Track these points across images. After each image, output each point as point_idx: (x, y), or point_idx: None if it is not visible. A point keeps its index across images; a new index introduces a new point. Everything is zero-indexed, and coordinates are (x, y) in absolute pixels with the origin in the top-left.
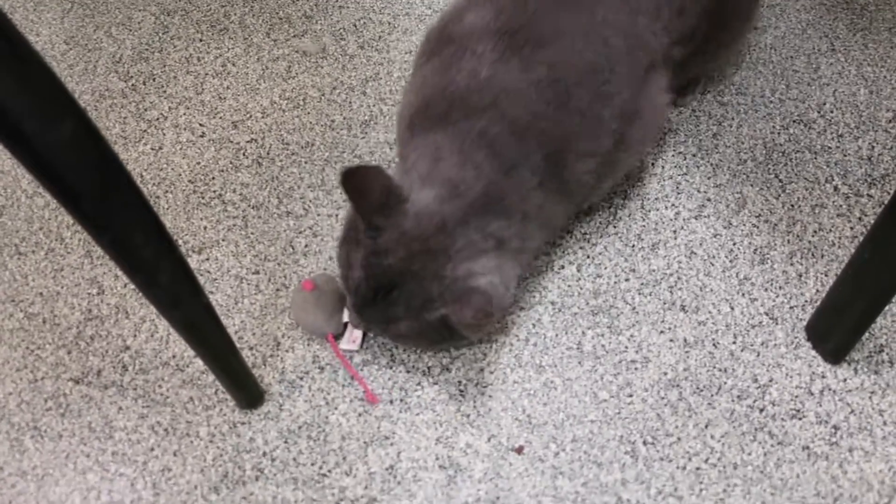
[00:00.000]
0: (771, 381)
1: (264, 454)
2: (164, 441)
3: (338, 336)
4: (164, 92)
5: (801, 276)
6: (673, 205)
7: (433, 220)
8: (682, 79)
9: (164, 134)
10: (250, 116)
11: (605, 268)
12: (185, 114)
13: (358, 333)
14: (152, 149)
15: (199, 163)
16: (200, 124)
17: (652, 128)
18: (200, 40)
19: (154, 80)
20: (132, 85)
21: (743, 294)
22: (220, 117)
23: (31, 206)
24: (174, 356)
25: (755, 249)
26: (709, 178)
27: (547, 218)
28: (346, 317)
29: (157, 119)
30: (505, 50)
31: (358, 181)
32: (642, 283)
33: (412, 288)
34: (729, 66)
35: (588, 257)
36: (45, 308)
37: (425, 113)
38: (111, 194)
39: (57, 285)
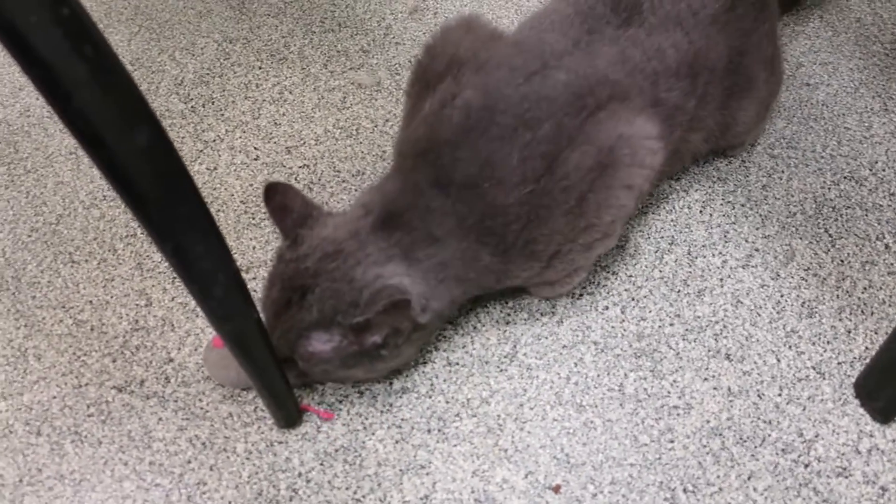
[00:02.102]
0: (817, 436)
1: (299, 475)
2: (201, 454)
3: None
4: (222, 115)
5: (849, 332)
6: (720, 253)
7: (347, 228)
8: (715, 145)
9: (220, 155)
10: (304, 143)
11: (650, 311)
12: (240, 137)
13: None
14: (207, 168)
15: (251, 185)
16: (255, 148)
17: (609, 170)
18: (260, 68)
19: (213, 103)
20: (192, 107)
21: (790, 346)
22: (275, 142)
23: (88, 216)
24: None
25: (803, 302)
26: (757, 229)
27: (466, 252)
28: None
29: (214, 140)
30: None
31: (279, 197)
32: (687, 329)
33: (325, 289)
34: (779, 119)
35: (633, 299)
36: (94, 316)
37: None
38: (178, 204)
39: (107, 294)
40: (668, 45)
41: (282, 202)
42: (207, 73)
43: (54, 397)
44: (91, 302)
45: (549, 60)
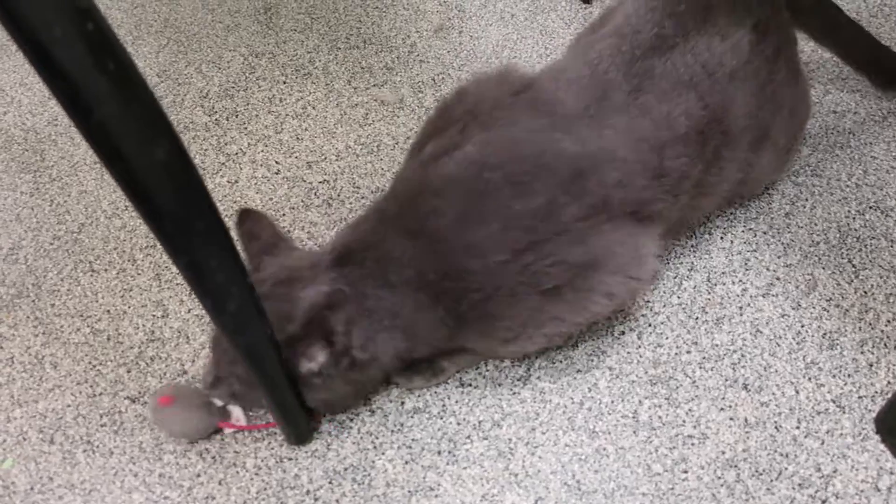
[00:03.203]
0: (835, 471)
1: (308, 492)
2: (210, 468)
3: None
4: (246, 129)
5: (871, 365)
6: (740, 280)
7: (308, 260)
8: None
9: (241, 168)
10: (325, 158)
11: (667, 338)
12: (262, 151)
13: (238, 412)
14: (228, 181)
15: (271, 198)
16: (276, 162)
17: (594, 274)
18: (284, 82)
19: (237, 116)
20: (216, 119)
21: (809, 378)
22: (296, 157)
23: (109, 226)
24: None
25: (824, 334)
26: (779, 257)
27: (419, 306)
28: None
29: (236, 154)
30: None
31: (250, 223)
32: (704, 357)
33: (269, 309)
34: (804, 147)
35: (650, 325)
36: (111, 326)
37: None
38: (194, 218)
39: (124, 304)
40: (678, 112)
41: (251, 228)
42: (233, 87)
43: (68, 406)
44: (109, 311)
45: (558, 124)
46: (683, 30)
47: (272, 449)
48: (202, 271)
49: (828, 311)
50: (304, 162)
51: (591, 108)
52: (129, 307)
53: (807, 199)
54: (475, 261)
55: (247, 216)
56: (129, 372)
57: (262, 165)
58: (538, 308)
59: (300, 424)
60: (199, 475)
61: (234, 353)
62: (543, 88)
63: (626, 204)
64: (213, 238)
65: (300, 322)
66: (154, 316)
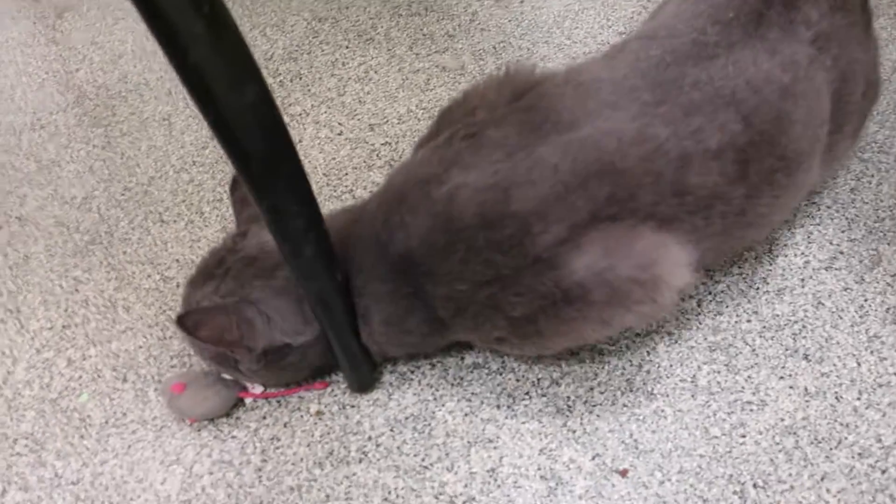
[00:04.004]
0: None
1: (370, 438)
2: (276, 411)
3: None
4: (309, 91)
5: None
6: (803, 253)
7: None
8: None
9: (305, 129)
10: (387, 121)
11: (727, 306)
12: (325, 112)
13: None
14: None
15: (334, 158)
16: (339, 123)
17: (577, 304)
18: (347, 47)
19: (300, 78)
20: (280, 81)
21: (871, 352)
22: (359, 119)
23: (178, 180)
24: None
25: (888, 308)
26: (843, 232)
27: (398, 306)
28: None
29: (300, 115)
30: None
31: (244, 190)
32: (764, 327)
33: (227, 282)
34: (871, 123)
35: (710, 293)
36: (180, 274)
37: None
38: (278, 161)
39: (193, 254)
40: (710, 126)
41: (243, 196)
42: (296, 50)
43: (140, 347)
44: (178, 260)
45: (550, 134)
46: (728, 40)
47: (335, 396)
48: (283, 215)
49: (892, 287)
50: (366, 124)
51: (594, 114)
52: (198, 257)
53: (873, 176)
54: (439, 288)
55: (238, 184)
56: None
57: (325, 126)
58: (513, 329)
59: (363, 373)
60: (264, 417)
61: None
62: (545, 94)
63: (630, 217)
64: (295, 183)
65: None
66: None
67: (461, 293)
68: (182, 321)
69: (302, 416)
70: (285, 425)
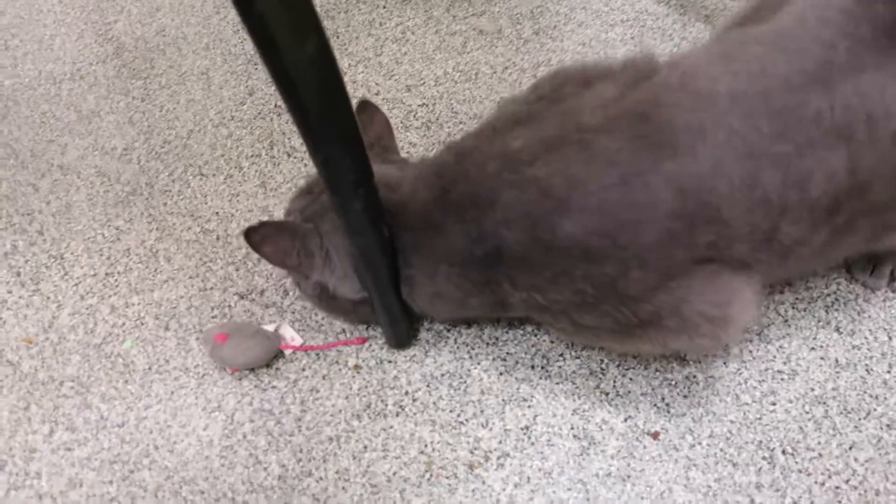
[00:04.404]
0: None
1: (406, 393)
2: (315, 364)
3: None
4: (346, 50)
5: None
6: None
7: (400, 174)
8: (859, 253)
9: None
10: (423, 83)
11: None
12: (363, 72)
13: (290, 331)
14: None
15: None
16: (376, 83)
17: (649, 328)
18: (384, 7)
19: (338, 37)
20: None
21: None
22: (395, 80)
23: (216, 134)
24: None
25: None
26: None
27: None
28: (270, 328)
29: None
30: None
31: (366, 116)
32: (797, 298)
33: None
34: None
35: None
36: (220, 227)
37: None
38: (334, 115)
39: (232, 208)
40: (819, 172)
41: (363, 121)
42: (333, 8)
43: (181, 297)
44: (217, 213)
45: (665, 159)
46: (858, 61)
47: (373, 351)
48: (336, 168)
49: None
50: (403, 85)
51: (711, 142)
52: (237, 211)
53: None
54: (518, 292)
55: (364, 108)
56: (237, 270)
57: (362, 86)
58: (575, 329)
59: (402, 330)
60: (304, 369)
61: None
62: (661, 102)
63: (720, 261)
64: (349, 137)
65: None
66: (260, 220)
67: (538, 301)
68: (249, 234)
69: (340, 370)
70: (324, 378)
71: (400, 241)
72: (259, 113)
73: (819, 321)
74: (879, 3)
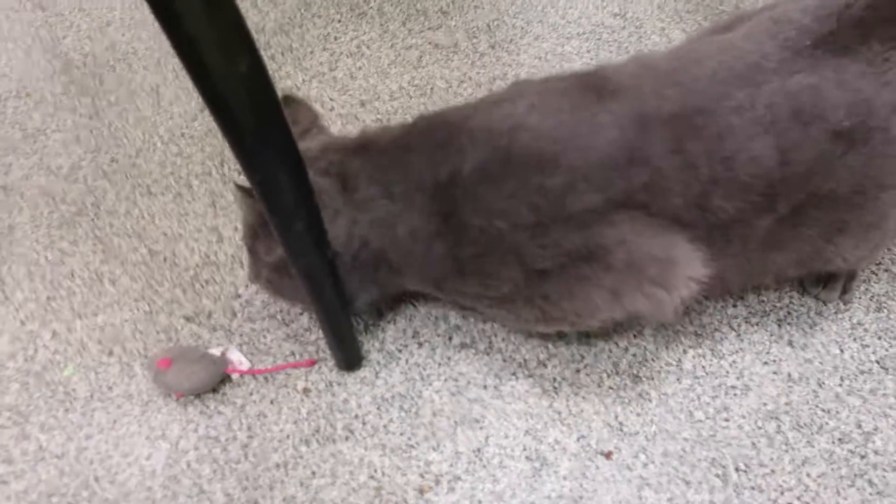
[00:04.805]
0: (876, 429)
1: (356, 416)
2: (262, 388)
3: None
4: (300, 65)
5: None
6: None
7: (331, 145)
8: (815, 269)
9: None
10: (378, 98)
11: None
12: (317, 87)
13: (237, 354)
14: None
15: None
16: (331, 98)
17: (594, 265)
18: (339, 21)
19: (292, 52)
20: (271, 55)
21: (855, 339)
22: (350, 95)
23: (166, 151)
24: (281, 311)
25: (872, 296)
26: None
27: (406, 217)
28: (216, 351)
29: (291, 89)
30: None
31: (292, 109)
32: (750, 313)
33: None
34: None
35: None
36: (168, 248)
37: None
38: (270, 134)
39: (180, 228)
40: (743, 154)
41: (291, 114)
42: (288, 23)
43: (126, 321)
44: (165, 234)
45: (609, 100)
46: (790, 66)
47: (322, 374)
48: (274, 188)
49: (877, 275)
50: (357, 100)
51: (651, 94)
52: (185, 231)
53: None
54: (477, 218)
55: (288, 102)
56: (184, 293)
57: (316, 101)
58: (526, 283)
59: (351, 351)
60: (251, 394)
61: (270, 242)
62: (608, 66)
63: (658, 213)
64: (286, 156)
65: None
66: (209, 241)
67: (496, 230)
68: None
69: (289, 393)
70: (272, 402)
71: (369, 175)
72: (210, 130)
73: (772, 335)
74: (828, 20)
